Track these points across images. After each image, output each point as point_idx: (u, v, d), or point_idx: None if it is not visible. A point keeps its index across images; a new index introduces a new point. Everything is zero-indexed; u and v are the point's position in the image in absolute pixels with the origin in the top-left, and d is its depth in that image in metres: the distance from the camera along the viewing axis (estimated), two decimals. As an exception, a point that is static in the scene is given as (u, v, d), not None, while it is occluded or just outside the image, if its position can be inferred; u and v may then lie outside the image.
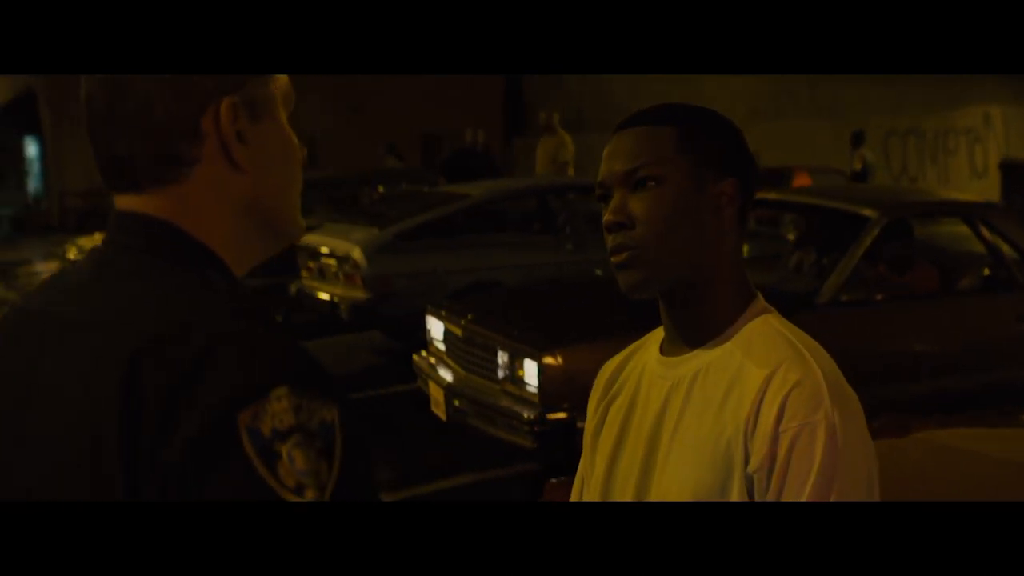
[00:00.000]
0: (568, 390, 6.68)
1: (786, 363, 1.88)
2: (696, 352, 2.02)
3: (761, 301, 2.06)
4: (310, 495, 1.28)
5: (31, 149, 36.06)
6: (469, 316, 7.85)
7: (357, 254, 10.98)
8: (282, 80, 1.59)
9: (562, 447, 6.66)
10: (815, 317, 7.00)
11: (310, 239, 11.92)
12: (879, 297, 7.71)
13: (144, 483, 1.29)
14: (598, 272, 8.54)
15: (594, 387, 2.25)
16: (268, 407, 1.28)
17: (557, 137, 15.40)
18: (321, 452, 1.29)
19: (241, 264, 1.56)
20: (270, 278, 12.77)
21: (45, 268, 16.04)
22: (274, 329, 1.39)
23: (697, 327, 2.03)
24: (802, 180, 17.42)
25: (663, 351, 2.09)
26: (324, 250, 11.51)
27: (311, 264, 11.88)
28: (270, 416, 1.28)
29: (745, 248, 2.12)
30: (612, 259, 2.00)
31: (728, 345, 1.98)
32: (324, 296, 11.40)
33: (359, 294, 10.95)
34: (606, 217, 2.00)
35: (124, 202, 1.53)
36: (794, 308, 7.05)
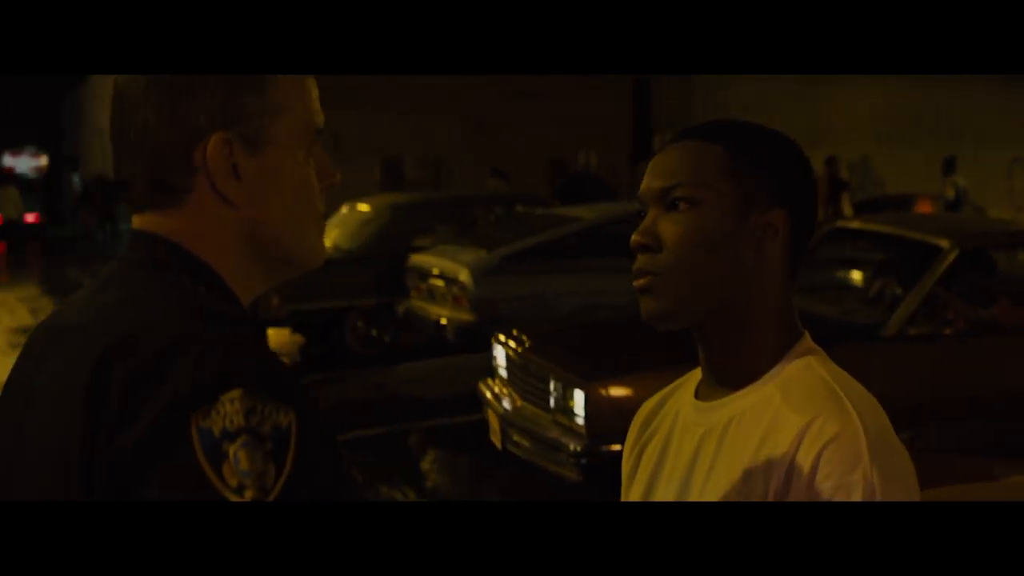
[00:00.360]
0: (617, 423, 6.40)
1: (824, 414, 1.71)
2: (732, 397, 1.84)
3: (807, 342, 1.86)
4: (249, 495, 1.30)
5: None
6: (527, 343, 7.71)
7: (464, 276, 11.03)
8: (297, 113, 1.59)
9: (608, 482, 6.45)
10: (877, 350, 6.77)
11: (420, 260, 12.05)
12: (949, 331, 7.22)
13: (97, 474, 1.35)
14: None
15: (631, 428, 2.08)
16: (221, 408, 1.32)
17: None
18: (270, 455, 1.32)
19: (247, 286, 1.60)
20: (380, 298, 12.92)
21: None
22: (243, 334, 1.44)
23: (733, 369, 1.85)
24: (924, 207, 17.07)
25: (698, 394, 1.91)
26: (433, 271, 11.59)
27: (420, 285, 11.95)
28: (221, 417, 1.32)
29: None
30: (633, 283, 1.83)
31: (766, 390, 1.80)
32: (432, 317, 11.46)
33: (466, 316, 10.99)
34: (632, 237, 1.83)
35: (135, 220, 1.59)
36: (857, 340, 6.87)
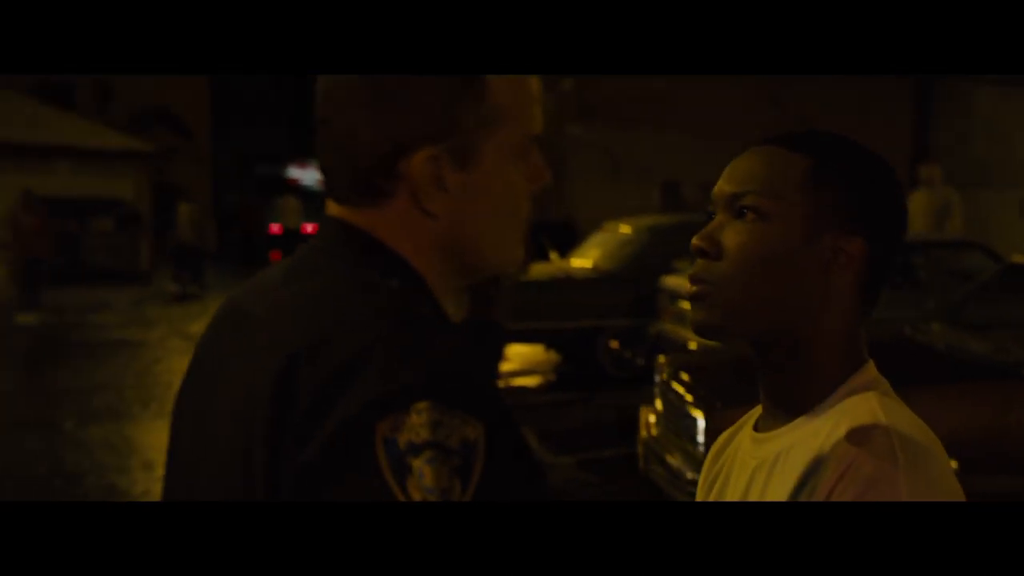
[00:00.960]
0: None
1: (864, 455, 1.57)
2: (784, 429, 1.72)
3: (867, 372, 1.72)
4: None
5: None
6: (670, 368, 7.59)
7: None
8: (513, 126, 1.54)
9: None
10: (1016, 388, 6.36)
11: (671, 281, 12.11)
12: None
13: (284, 480, 1.33)
14: (906, 330, 7.97)
15: (706, 460, 1.96)
16: (408, 419, 1.28)
17: (936, 192, 14.85)
18: (457, 470, 1.27)
19: (443, 286, 1.56)
20: (635, 319, 13.04)
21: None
22: (438, 339, 1.38)
23: (787, 397, 1.73)
24: None
25: (757, 425, 1.80)
26: (683, 293, 11.61)
27: (671, 307, 11.99)
28: (408, 429, 1.27)
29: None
30: (687, 288, 1.74)
31: (815, 424, 1.67)
32: (681, 340, 11.47)
33: (713, 341, 10.94)
34: (693, 240, 1.72)
35: (330, 207, 1.57)
36: (998, 379, 6.50)
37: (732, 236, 1.70)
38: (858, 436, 1.60)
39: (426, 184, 1.49)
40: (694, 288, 1.72)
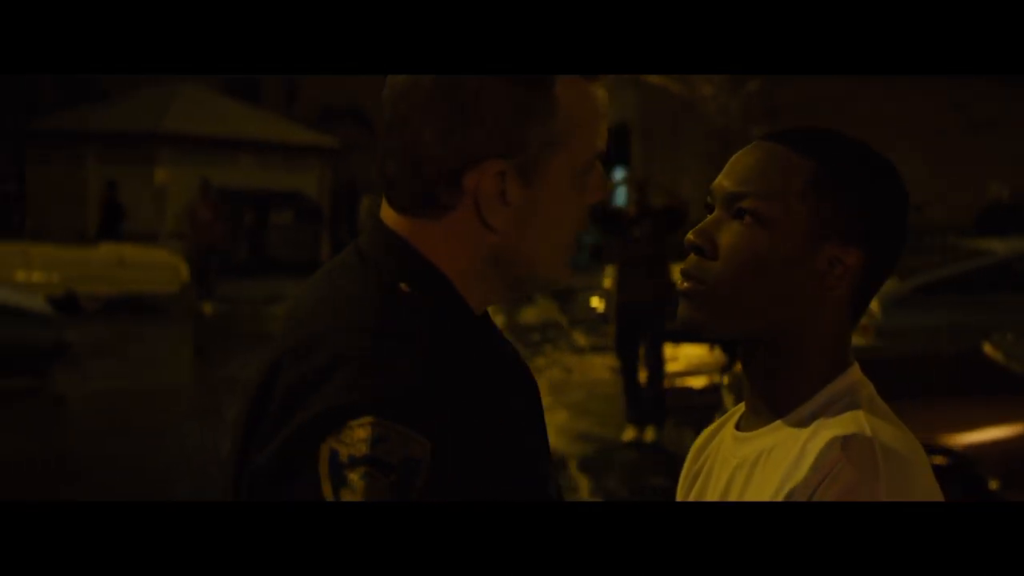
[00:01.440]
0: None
1: (841, 466, 1.55)
2: (766, 429, 1.69)
3: (851, 375, 1.68)
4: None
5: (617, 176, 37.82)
6: None
7: (874, 305, 10.77)
8: (579, 144, 1.53)
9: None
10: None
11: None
12: None
13: (242, 483, 1.42)
14: (986, 347, 7.68)
15: (687, 458, 1.93)
16: (352, 434, 1.32)
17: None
18: (395, 486, 1.31)
19: (484, 298, 1.56)
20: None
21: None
22: (405, 358, 1.40)
23: (772, 398, 1.69)
24: None
25: (739, 424, 1.77)
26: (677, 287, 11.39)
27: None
28: (351, 443, 1.32)
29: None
30: (678, 283, 1.71)
31: (799, 425, 1.65)
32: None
33: (872, 345, 10.72)
34: (688, 234, 1.69)
35: (386, 212, 1.56)
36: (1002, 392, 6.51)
37: (728, 237, 1.66)
38: (841, 443, 1.56)
39: (491, 198, 1.49)
40: (685, 284, 1.68)
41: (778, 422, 1.67)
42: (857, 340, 10.82)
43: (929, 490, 1.60)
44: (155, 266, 19.71)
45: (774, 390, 1.69)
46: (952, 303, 10.76)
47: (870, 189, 1.67)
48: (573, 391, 12.98)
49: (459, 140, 1.48)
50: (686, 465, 1.90)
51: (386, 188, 1.55)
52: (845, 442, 1.56)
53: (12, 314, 12.97)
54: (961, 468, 6.01)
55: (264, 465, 1.38)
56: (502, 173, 1.48)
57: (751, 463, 1.68)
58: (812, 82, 25.43)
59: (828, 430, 1.59)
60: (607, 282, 13.13)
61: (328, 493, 1.31)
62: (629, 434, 10.38)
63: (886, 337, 10.55)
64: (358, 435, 1.32)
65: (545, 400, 1.68)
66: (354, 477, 1.31)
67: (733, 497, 1.69)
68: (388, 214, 1.55)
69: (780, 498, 1.58)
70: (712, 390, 13.05)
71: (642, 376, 10.58)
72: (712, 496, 1.76)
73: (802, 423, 1.64)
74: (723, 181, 1.69)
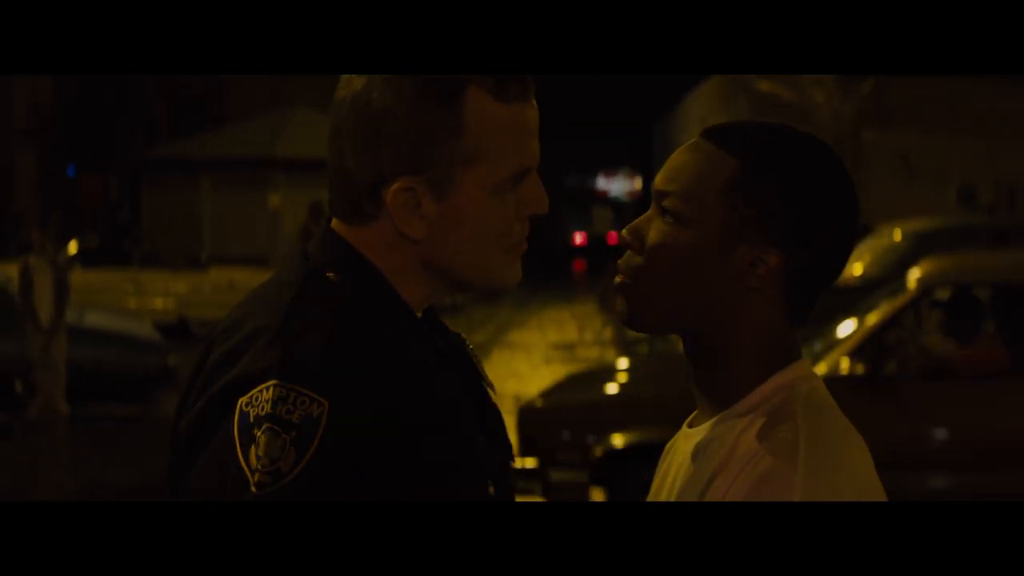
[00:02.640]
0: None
1: (761, 454, 1.57)
2: (707, 424, 1.69)
3: (795, 370, 1.67)
4: (257, 477, 1.43)
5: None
6: None
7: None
8: (493, 162, 1.60)
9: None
10: None
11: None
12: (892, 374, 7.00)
13: (174, 443, 1.58)
14: None
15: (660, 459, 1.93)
16: (259, 395, 1.46)
17: None
18: (293, 442, 1.43)
19: (421, 296, 1.66)
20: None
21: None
22: (312, 331, 1.52)
23: (711, 394, 1.70)
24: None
25: (691, 422, 1.77)
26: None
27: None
28: (257, 404, 1.46)
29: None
30: (616, 278, 1.74)
31: (735, 419, 1.65)
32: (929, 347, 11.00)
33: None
34: (622, 230, 1.71)
35: (334, 221, 1.67)
36: None
37: (653, 234, 1.68)
38: (766, 432, 1.59)
39: (402, 211, 1.58)
40: (617, 279, 1.71)
41: (717, 417, 1.67)
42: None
43: (859, 484, 1.59)
44: (264, 289, 19.96)
45: (713, 387, 1.70)
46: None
47: (796, 190, 1.64)
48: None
49: (372, 158, 1.58)
50: (658, 465, 1.88)
51: (330, 198, 1.65)
52: (769, 432, 1.58)
53: (120, 341, 13.26)
54: None
55: (187, 426, 1.54)
56: (411, 188, 1.57)
57: (691, 458, 1.68)
58: (924, 83, 25.02)
59: (759, 422, 1.61)
60: None
61: (238, 449, 1.45)
62: None
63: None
64: (263, 396, 1.45)
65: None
66: (258, 433, 1.44)
67: (675, 492, 1.70)
68: (335, 220, 1.66)
69: (708, 490, 1.61)
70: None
71: None
72: (665, 494, 1.76)
73: (738, 417, 1.64)
74: (656, 179, 1.70)
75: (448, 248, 1.61)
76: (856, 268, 13.87)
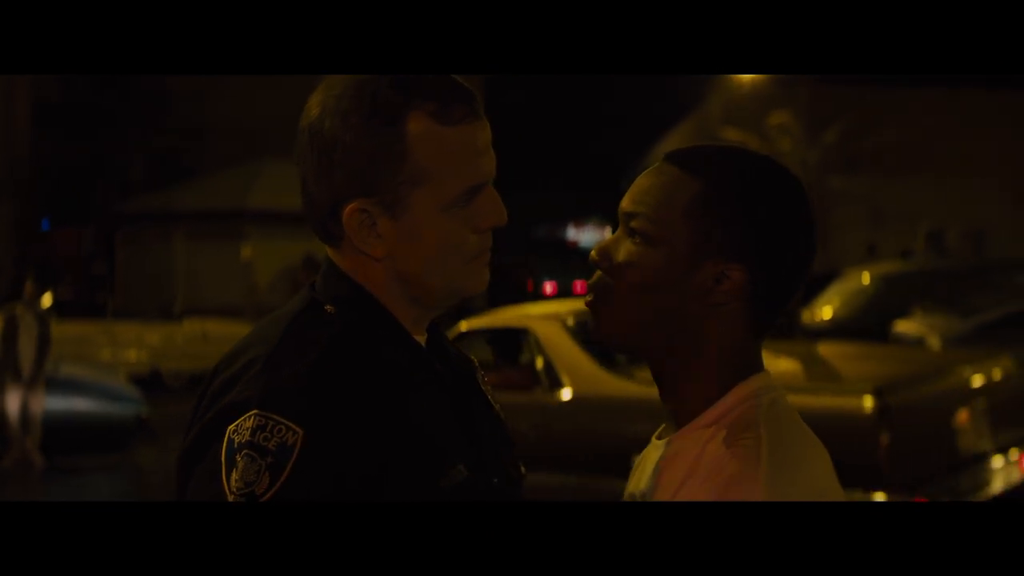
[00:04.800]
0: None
1: (725, 460, 1.62)
2: (676, 435, 1.74)
3: (758, 380, 1.73)
4: (232, 499, 1.55)
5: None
6: None
7: (934, 342, 10.69)
8: (441, 180, 1.69)
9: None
10: None
11: (902, 327, 11.78)
12: None
13: (177, 465, 1.69)
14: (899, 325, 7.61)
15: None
16: (243, 423, 1.58)
17: None
18: (269, 467, 1.55)
19: (408, 312, 1.76)
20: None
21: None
22: (296, 361, 1.63)
23: (678, 406, 1.75)
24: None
25: (660, 434, 1.81)
26: (909, 338, 11.34)
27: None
28: (241, 431, 1.58)
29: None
30: (588, 298, 1.79)
31: (701, 430, 1.70)
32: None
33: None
34: (592, 250, 1.78)
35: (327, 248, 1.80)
36: None
37: (621, 254, 1.73)
38: (730, 441, 1.64)
39: (359, 232, 1.69)
40: (588, 298, 1.77)
41: (684, 428, 1.73)
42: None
43: (820, 489, 1.65)
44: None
45: (679, 399, 1.75)
46: (1016, 339, 10.59)
47: (757, 208, 1.70)
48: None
49: (328, 183, 1.68)
50: (630, 476, 1.92)
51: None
52: (733, 440, 1.64)
53: (94, 393, 13.24)
54: None
55: (185, 449, 1.66)
56: (364, 210, 1.68)
57: (660, 469, 1.73)
58: (888, 130, 25.29)
59: (724, 432, 1.66)
60: None
61: (222, 472, 1.57)
62: None
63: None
64: (245, 424, 1.57)
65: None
66: (239, 458, 1.56)
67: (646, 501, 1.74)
68: (326, 247, 1.78)
69: (676, 497, 1.66)
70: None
71: None
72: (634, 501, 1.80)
73: (704, 428, 1.70)
74: (623, 201, 1.76)
75: (409, 263, 1.71)
76: (826, 312, 14.00)
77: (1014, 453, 7.31)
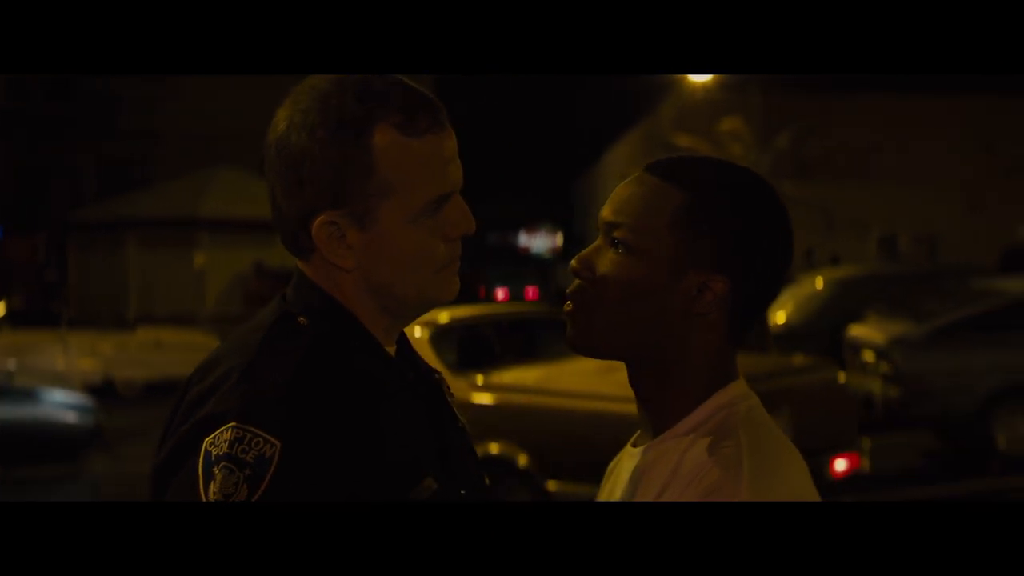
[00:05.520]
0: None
1: (707, 467, 1.64)
2: (653, 443, 1.75)
3: (735, 389, 1.75)
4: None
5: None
6: None
7: (892, 348, 10.77)
8: (408, 191, 1.70)
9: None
10: None
11: (855, 331, 11.86)
12: None
13: (151, 477, 1.69)
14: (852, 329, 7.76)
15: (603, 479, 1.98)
16: (220, 436, 1.58)
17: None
18: (247, 479, 1.55)
19: (380, 322, 1.77)
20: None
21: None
22: (271, 374, 1.64)
23: (656, 414, 1.76)
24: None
25: (636, 442, 1.82)
26: (864, 343, 11.41)
27: (854, 358, 11.75)
28: (218, 444, 1.58)
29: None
30: (567, 307, 1.79)
31: (679, 437, 1.72)
32: (862, 391, 11.21)
33: (891, 390, 10.70)
34: (572, 260, 1.78)
35: (298, 260, 1.80)
36: None
37: (604, 264, 1.74)
38: (710, 448, 1.66)
39: (328, 243, 1.70)
40: (567, 307, 1.78)
41: (662, 436, 1.73)
42: (886, 388, 10.82)
43: (799, 494, 1.66)
44: (192, 348, 19.83)
45: (657, 407, 1.75)
46: (971, 344, 10.72)
47: (740, 219, 1.71)
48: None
49: (297, 196, 1.70)
50: (601, 485, 1.93)
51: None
52: (713, 448, 1.66)
53: (48, 402, 13.14)
54: None
55: (160, 462, 1.66)
56: (333, 222, 1.69)
57: (638, 476, 1.74)
58: (839, 136, 25.49)
59: (703, 440, 1.68)
60: None
61: (200, 485, 1.57)
62: None
63: (906, 381, 10.55)
64: (223, 437, 1.57)
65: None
66: (216, 471, 1.56)
67: None
68: (297, 260, 1.79)
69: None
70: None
71: None
72: None
73: (682, 436, 1.71)
74: (603, 211, 1.76)
75: (379, 274, 1.72)
76: (780, 316, 14.09)
77: (828, 458, 7.74)
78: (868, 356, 11.28)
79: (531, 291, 32.32)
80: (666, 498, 1.66)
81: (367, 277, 1.72)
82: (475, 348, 8.92)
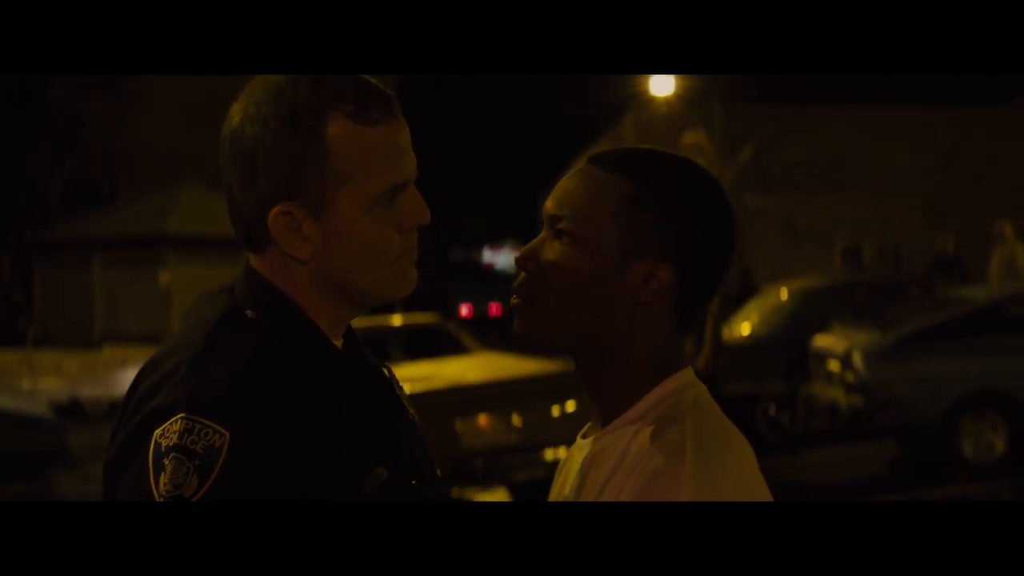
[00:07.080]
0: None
1: (650, 454, 1.66)
2: (601, 433, 1.77)
3: (681, 377, 1.77)
4: (162, 501, 1.57)
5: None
6: None
7: (856, 358, 10.82)
8: (363, 180, 1.71)
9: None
10: None
11: (821, 342, 11.93)
12: None
13: (104, 471, 1.69)
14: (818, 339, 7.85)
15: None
16: (170, 427, 1.60)
17: (1004, 246, 14.77)
18: (197, 469, 1.57)
19: (329, 315, 1.78)
20: (790, 384, 12.79)
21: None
22: (219, 366, 1.65)
23: (603, 404, 1.78)
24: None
25: (585, 433, 1.84)
26: (829, 353, 11.47)
27: (820, 368, 11.81)
28: (168, 435, 1.59)
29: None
30: (514, 301, 1.81)
31: (626, 427, 1.73)
32: (828, 400, 11.28)
33: (858, 400, 10.77)
34: (517, 253, 1.80)
35: (249, 254, 1.81)
36: None
37: (549, 255, 1.76)
38: (655, 435, 1.67)
39: (285, 235, 1.71)
40: (514, 300, 1.79)
41: (610, 426, 1.75)
42: (850, 397, 10.89)
43: (744, 481, 1.68)
44: (159, 366, 19.75)
45: (605, 397, 1.77)
46: (935, 352, 10.81)
47: (683, 208, 1.74)
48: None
49: (252, 188, 1.71)
50: (554, 479, 1.94)
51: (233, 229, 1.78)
52: (659, 434, 1.67)
53: (14, 422, 13.06)
54: None
55: (112, 455, 1.67)
56: (288, 213, 1.70)
57: (587, 466, 1.76)
58: (801, 147, 25.63)
59: (649, 427, 1.69)
60: None
61: (151, 477, 1.58)
62: None
63: (871, 390, 10.62)
64: (172, 428, 1.59)
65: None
66: (166, 462, 1.57)
67: (572, 500, 1.77)
68: (249, 255, 1.79)
69: (603, 493, 1.68)
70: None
71: None
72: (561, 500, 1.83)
73: (629, 424, 1.73)
74: (547, 204, 1.79)
75: (335, 265, 1.73)
76: (744, 328, 14.15)
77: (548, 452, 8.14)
78: (833, 366, 11.32)
79: (495, 307, 32.33)
80: (611, 485, 1.68)
81: (323, 268, 1.73)
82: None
